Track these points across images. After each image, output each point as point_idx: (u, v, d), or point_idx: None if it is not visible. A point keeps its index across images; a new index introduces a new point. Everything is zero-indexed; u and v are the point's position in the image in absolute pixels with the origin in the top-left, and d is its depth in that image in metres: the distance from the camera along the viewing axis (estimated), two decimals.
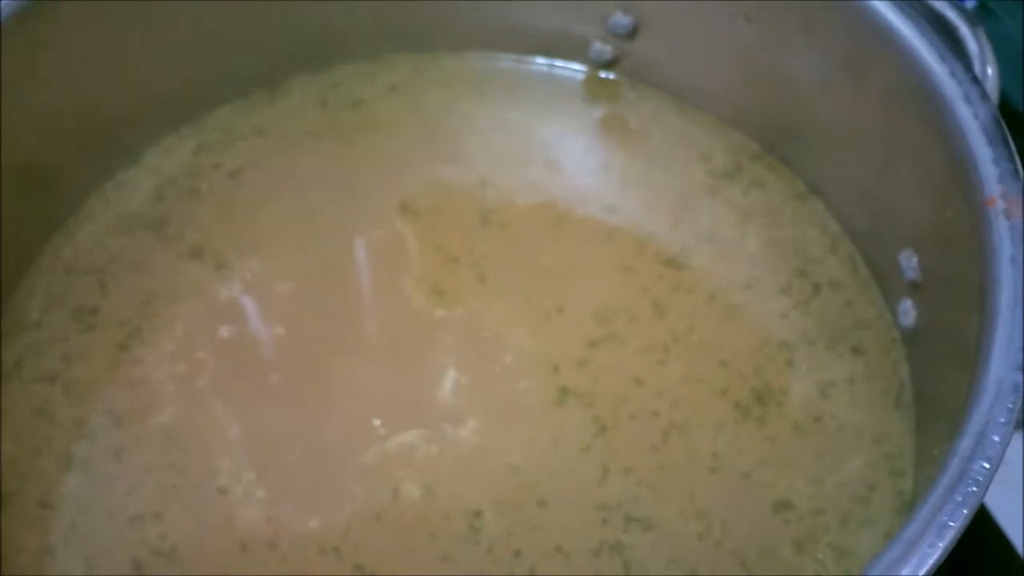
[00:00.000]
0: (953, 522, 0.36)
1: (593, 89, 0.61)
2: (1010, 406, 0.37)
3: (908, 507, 0.47)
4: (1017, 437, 0.57)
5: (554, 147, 0.60)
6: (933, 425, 0.47)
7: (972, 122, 0.44)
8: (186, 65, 0.58)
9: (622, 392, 0.51)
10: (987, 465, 0.36)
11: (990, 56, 0.48)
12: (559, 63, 0.62)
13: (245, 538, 0.48)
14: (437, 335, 0.53)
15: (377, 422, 0.50)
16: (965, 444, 0.37)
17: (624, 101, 0.61)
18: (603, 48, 0.60)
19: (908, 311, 0.50)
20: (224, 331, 0.54)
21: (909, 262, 0.49)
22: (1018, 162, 0.43)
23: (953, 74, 0.45)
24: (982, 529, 0.60)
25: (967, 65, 0.46)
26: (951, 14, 0.48)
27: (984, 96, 0.44)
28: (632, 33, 0.58)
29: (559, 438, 0.50)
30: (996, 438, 0.37)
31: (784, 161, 0.57)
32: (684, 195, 0.57)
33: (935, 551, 0.35)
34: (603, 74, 0.61)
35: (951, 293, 0.46)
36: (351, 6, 0.59)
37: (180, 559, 0.47)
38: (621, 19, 0.58)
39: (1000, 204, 0.42)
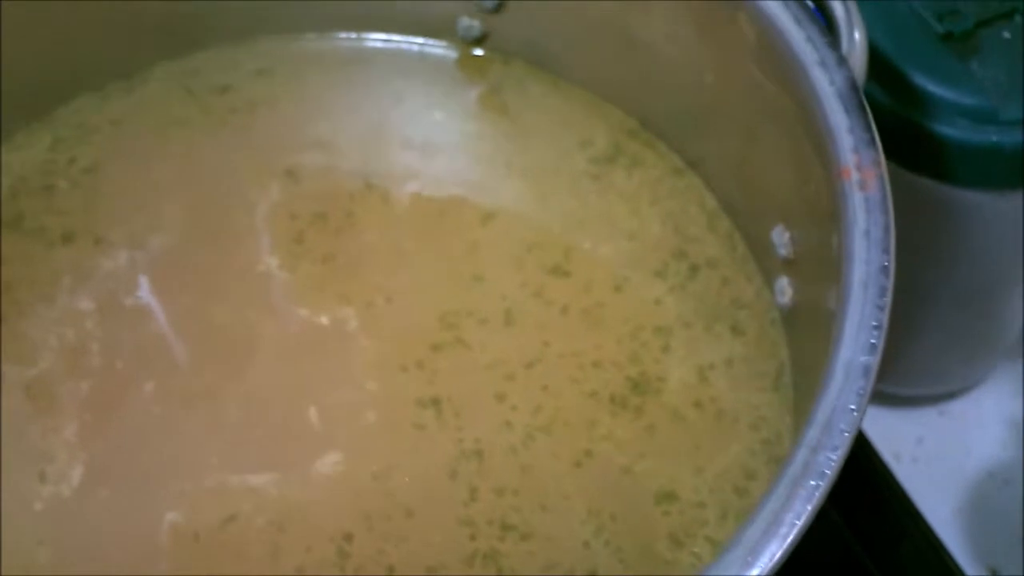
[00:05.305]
0: (797, 520, 0.33)
1: (467, 67, 0.58)
2: (859, 391, 0.35)
3: None
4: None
5: (430, 132, 0.57)
6: (809, 409, 0.45)
7: (828, 88, 0.41)
8: (36, 56, 0.54)
9: (483, 404, 0.48)
10: (833, 456, 0.34)
11: (857, 19, 0.45)
12: (429, 41, 0.59)
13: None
14: (295, 328, 0.51)
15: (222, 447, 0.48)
16: (811, 434, 0.35)
17: (498, 79, 0.58)
18: (471, 23, 0.57)
19: (784, 289, 0.48)
20: (90, 306, 0.51)
21: (781, 238, 0.47)
22: (874, 130, 0.40)
23: (809, 38, 0.43)
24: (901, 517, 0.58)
25: (830, 29, 0.44)
26: None
27: (841, 61, 0.42)
28: (498, 6, 0.56)
29: (418, 455, 0.47)
30: (843, 426, 0.35)
31: (661, 136, 0.55)
32: (567, 187, 0.54)
33: (779, 549, 0.33)
34: (475, 51, 0.58)
35: (818, 270, 0.43)
36: None
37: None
38: None
39: (855, 175, 0.39)
